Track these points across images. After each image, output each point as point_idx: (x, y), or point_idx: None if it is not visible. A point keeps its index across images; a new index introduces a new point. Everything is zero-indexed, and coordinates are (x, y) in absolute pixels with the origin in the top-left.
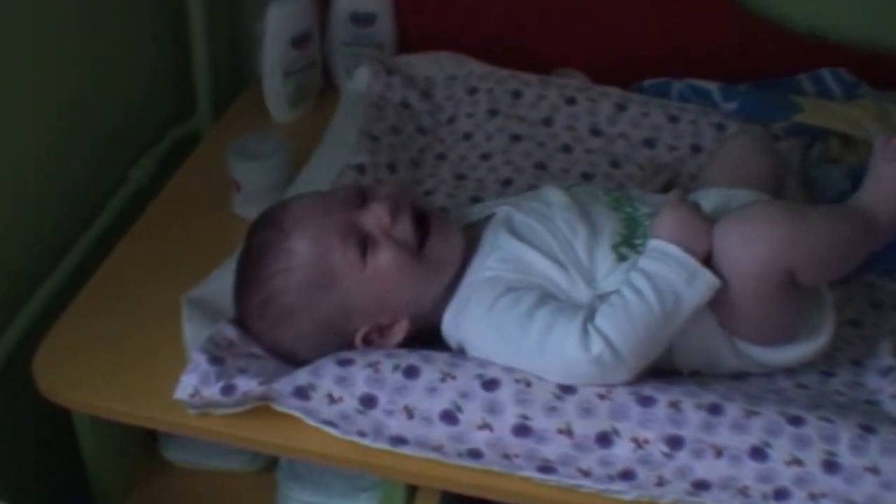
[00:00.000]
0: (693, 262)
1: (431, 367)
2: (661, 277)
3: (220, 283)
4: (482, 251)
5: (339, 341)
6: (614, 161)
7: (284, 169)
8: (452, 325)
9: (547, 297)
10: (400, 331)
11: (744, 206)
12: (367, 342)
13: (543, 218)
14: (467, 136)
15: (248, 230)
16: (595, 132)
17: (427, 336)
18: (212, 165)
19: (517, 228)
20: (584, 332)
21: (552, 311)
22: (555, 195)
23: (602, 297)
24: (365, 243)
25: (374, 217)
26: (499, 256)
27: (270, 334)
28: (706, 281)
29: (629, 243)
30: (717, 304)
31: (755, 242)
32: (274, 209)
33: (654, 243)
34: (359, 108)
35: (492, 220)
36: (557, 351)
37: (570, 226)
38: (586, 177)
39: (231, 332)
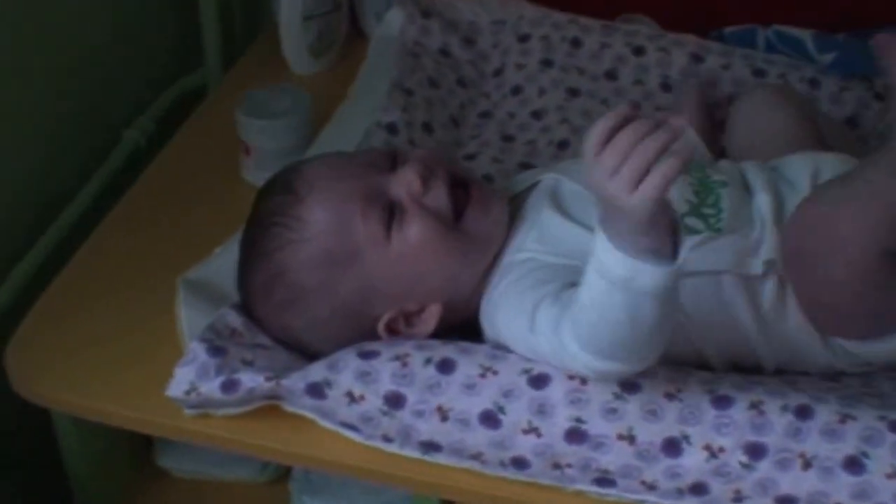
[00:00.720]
0: (629, 268)
1: (469, 360)
2: (597, 296)
3: (224, 263)
4: (524, 227)
5: (359, 330)
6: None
7: (303, 129)
8: (486, 313)
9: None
10: (430, 318)
11: (796, 208)
12: (392, 331)
13: None
14: (517, 91)
15: (255, 196)
16: (667, 87)
17: (465, 327)
18: (219, 125)
19: (564, 200)
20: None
21: (555, 313)
22: None
23: None
24: (391, 213)
25: (403, 182)
26: (538, 235)
27: (278, 320)
28: (645, 280)
29: (699, 213)
30: (814, 314)
31: (836, 250)
32: (286, 171)
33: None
34: (390, 58)
35: (536, 189)
36: (571, 360)
37: None
38: None
39: (235, 319)
